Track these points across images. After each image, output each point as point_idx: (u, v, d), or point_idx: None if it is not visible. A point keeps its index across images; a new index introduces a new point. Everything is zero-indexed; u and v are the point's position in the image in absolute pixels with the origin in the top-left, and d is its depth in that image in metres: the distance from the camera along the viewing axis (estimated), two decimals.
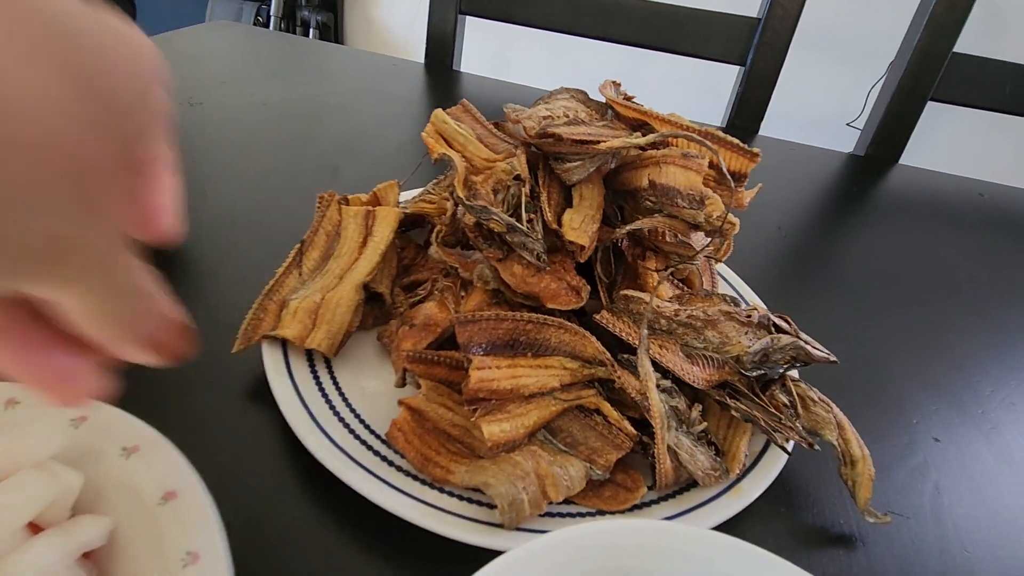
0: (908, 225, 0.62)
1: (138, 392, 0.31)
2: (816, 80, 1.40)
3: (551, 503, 0.25)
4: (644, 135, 0.29)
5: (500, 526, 0.24)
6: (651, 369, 0.25)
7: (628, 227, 0.28)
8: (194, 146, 0.56)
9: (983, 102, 0.75)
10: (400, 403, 0.26)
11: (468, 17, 0.87)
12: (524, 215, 0.27)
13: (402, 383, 0.28)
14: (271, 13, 1.53)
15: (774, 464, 0.28)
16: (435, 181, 0.39)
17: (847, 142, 0.83)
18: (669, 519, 0.25)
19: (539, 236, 0.26)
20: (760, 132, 0.80)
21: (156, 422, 0.24)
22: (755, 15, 0.78)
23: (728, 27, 0.79)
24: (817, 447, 0.27)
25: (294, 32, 1.62)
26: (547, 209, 0.27)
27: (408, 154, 0.59)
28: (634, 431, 0.27)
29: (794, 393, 0.30)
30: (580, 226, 0.27)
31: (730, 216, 0.27)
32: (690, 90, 1.45)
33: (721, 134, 0.28)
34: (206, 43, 0.82)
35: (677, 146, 0.28)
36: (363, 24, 1.70)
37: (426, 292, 0.34)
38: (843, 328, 0.44)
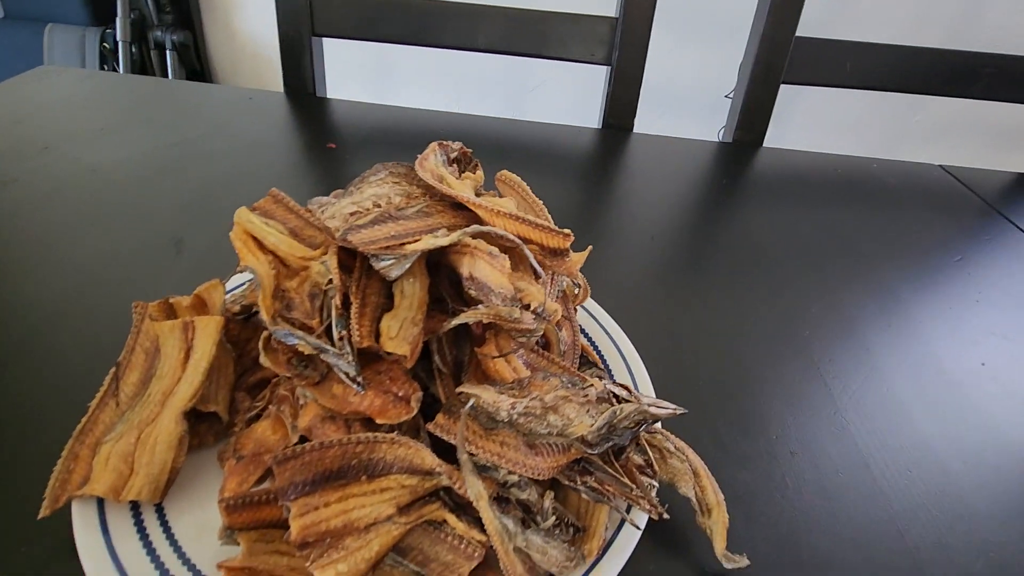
0: (772, 211, 0.64)
1: None
2: (690, 59, 1.44)
3: None
4: (460, 225, 0.27)
5: None
6: (480, 488, 0.24)
7: (453, 322, 0.27)
8: None
9: (829, 80, 0.79)
10: (219, 567, 0.24)
11: (334, 39, 0.81)
12: (335, 331, 0.25)
13: (227, 539, 0.25)
14: (117, 39, 1.38)
15: (632, 536, 0.28)
16: None
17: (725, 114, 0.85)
18: None
19: (350, 357, 0.24)
20: (637, 128, 0.81)
21: None
22: (613, 14, 0.78)
23: (588, 28, 0.79)
24: (667, 515, 0.27)
25: (149, 56, 1.47)
26: (356, 325, 0.25)
27: None
28: (484, 537, 0.26)
29: (649, 452, 0.30)
30: (398, 334, 0.26)
31: (549, 304, 0.26)
32: (579, 90, 1.45)
33: (532, 219, 0.27)
34: (24, 100, 0.72)
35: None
36: (227, 40, 1.57)
37: (264, 403, 0.31)
38: (709, 335, 0.46)
